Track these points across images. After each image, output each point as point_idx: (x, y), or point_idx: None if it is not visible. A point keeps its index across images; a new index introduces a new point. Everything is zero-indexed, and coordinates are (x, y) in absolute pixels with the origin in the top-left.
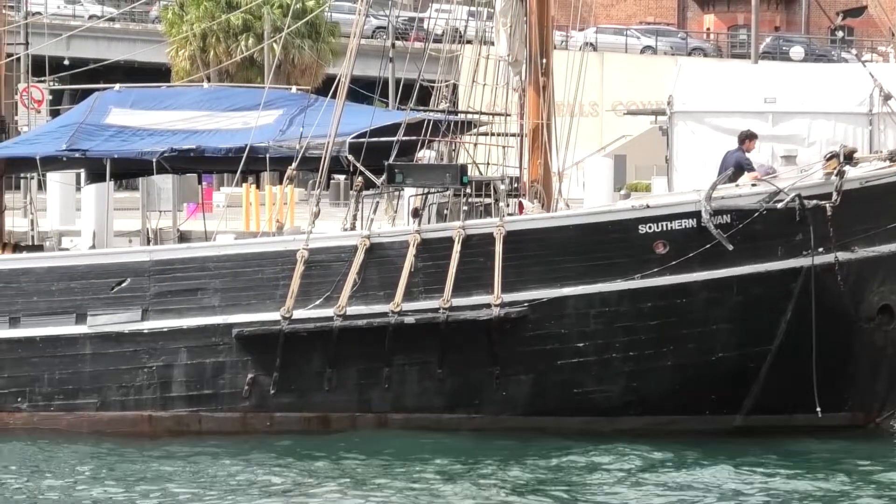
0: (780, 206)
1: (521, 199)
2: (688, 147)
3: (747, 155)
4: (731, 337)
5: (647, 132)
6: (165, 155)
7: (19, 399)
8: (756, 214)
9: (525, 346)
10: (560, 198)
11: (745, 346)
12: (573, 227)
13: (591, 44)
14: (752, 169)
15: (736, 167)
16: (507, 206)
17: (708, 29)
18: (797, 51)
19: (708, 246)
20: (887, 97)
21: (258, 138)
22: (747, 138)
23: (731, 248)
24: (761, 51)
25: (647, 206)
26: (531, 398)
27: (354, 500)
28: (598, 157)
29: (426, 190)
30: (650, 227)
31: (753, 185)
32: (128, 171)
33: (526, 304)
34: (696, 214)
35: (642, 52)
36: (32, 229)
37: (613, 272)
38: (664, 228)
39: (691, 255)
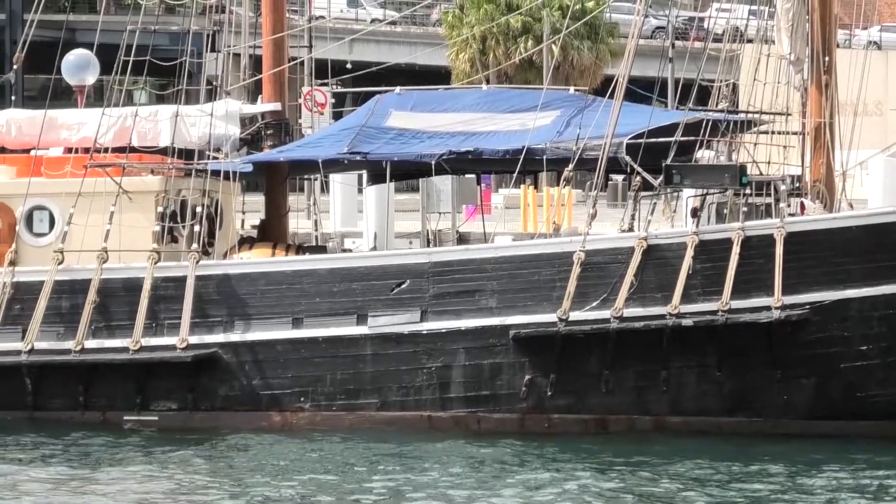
0: None
1: (802, 199)
2: None
3: None
4: None
5: None
6: (444, 157)
7: (302, 399)
8: None
9: (806, 349)
10: (843, 198)
11: None
12: (857, 228)
13: (875, 42)
14: None
15: None
16: (789, 206)
17: None
18: None
19: None
20: None
21: (536, 140)
22: None
23: None
24: None
25: None
26: (813, 402)
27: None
28: (882, 156)
29: (705, 190)
30: None
31: None
32: (407, 172)
33: (807, 307)
34: None
35: None
36: (316, 231)
37: None
38: None
39: None
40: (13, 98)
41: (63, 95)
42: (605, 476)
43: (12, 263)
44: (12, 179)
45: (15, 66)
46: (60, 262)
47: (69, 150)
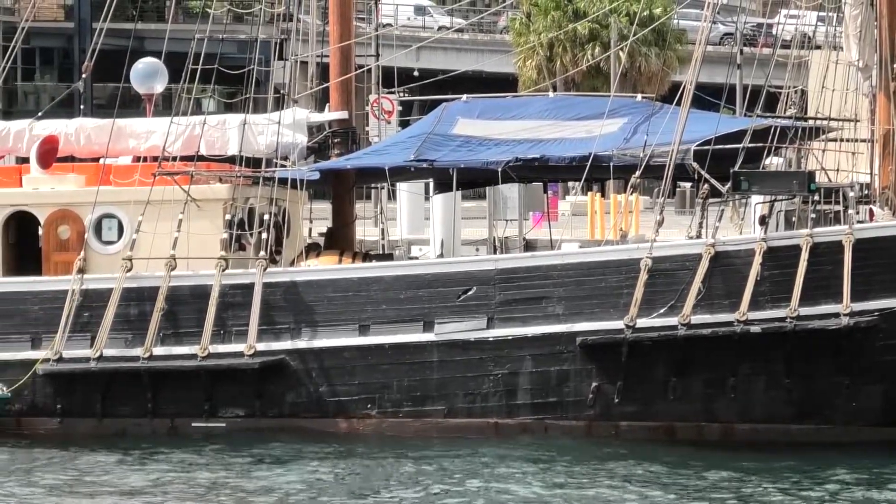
0: None
1: (871, 206)
2: None
3: None
4: None
5: None
6: (510, 164)
7: (369, 405)
8: None
9: (876, 355)
10: None
11: None
12: None
13: None
14: None
15: None
16: (857, 213)
17: None
18: None
19: None
20: None
21: (602, 147)
22: None
23: None
24: None
25: None
26: (884, 409)
27: None
28: None
29: (773, 197)
30: None
31: None
32: (474, 180)
33: (876, 314)
34: None
35: None
36: (383, 238)
37: None
38: None
39: None
40: (82, 107)
41: (132, 104)
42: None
43: (81, 271)
44: (81, 188)
45: (84, 75)
46: (129, 270)
47: (138, 159)
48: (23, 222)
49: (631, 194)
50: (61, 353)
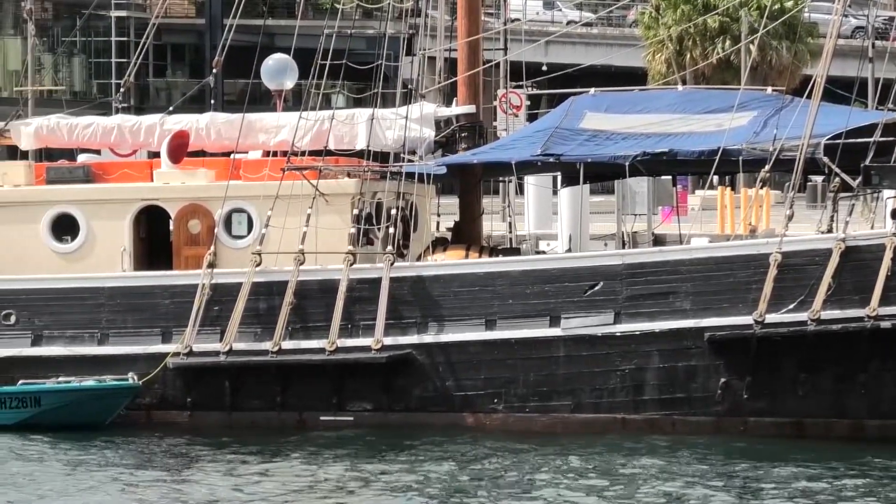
0: None
1: None
2: None
3: None
4: None
5: None
6: (638, 158)
7: (495, 400)
8: None
9: None
10: None
11: None
12: None
13: None
14: None
15: None
16: None
17: None
18: None
19: None
20: None
21: (731, 140)
22: None
23: None
24: None
25: None
26: None
27: None
28: None
29: None
30: None
31: None
32: (601, 174)
33: None
34: None
35: None
36: (510, 232)
37: None
38: None
39: None
40: (213, 102)
41: (262, 100)
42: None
43: (211, 265)
44: (212, 182)
45: (214, 71)
46: (258, 264)
47: (267, 154)
48: (153, 217)
49: (761, 188)
50: (191, 346)
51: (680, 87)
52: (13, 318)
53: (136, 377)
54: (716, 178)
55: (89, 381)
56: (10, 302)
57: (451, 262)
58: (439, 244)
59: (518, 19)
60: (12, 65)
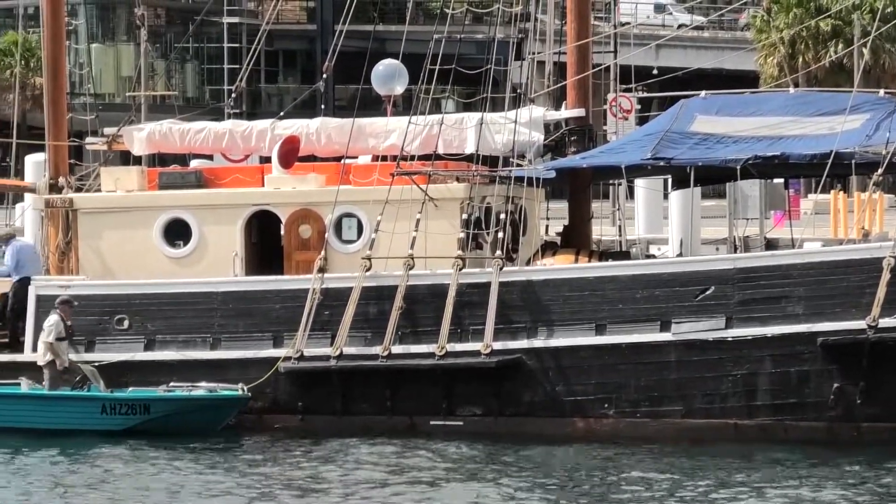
0: None
1: None
2: None
3: None
4: None
5: None
6: (749, 162)
7: (606, 405)
8: None
9: None
10: None
11: None
12: None
13: None
14: None
15: None
16: None
17: None
18: None
19: None
20: None
21: (844, 143)
22: None
23: None
24: None
25: None
26: None
27: None
28: None
29: None
30: None
31: None
32: (712, 177)
33: None
34: None
35: None
36: (620, 236)
37: None
38: None
39: None
40: (323, 107)
41: (372, 104)
42: None
43: (322, 270)
44: (322, 187)
45: (325, 76)
46: (368, 269)
47: (376, 158)
48: (265, 221)
49: (874, 192)
50: (302, 351)
51: (791, 90)
52: (126, 323)
53: (245, 387)
54: (828, 181)
55: (199, 391)
56: (123, 307)
57: (561, 266)
58: (548, 248)
59: (629, 23)
60: (125, 71)
